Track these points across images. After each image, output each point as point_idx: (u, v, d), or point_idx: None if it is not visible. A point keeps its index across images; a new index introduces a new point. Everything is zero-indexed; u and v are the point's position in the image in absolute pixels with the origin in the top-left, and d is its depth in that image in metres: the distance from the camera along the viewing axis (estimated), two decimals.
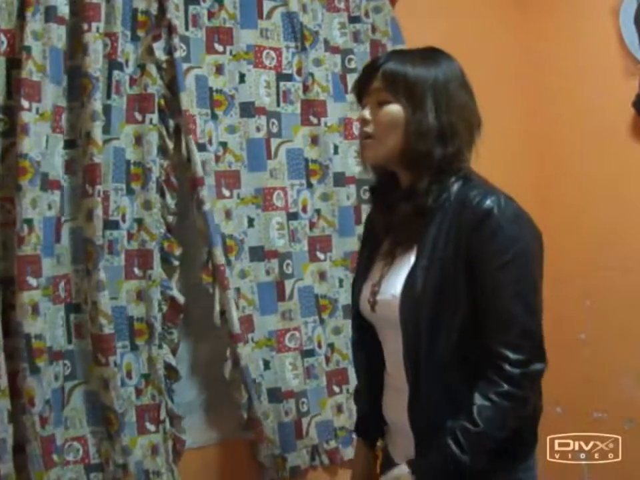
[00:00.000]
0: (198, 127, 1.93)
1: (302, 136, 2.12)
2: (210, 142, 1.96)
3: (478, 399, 1.25)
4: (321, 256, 2.14)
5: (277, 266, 2.06)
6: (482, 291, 1.28)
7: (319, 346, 2.12)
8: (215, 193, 1.97)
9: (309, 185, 2.13)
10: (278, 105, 2.09)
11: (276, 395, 2.03)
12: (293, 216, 2.10)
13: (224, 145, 2.00)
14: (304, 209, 2.12)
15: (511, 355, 1.25)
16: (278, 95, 2.09)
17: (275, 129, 2.08)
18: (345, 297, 2.13)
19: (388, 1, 2.27)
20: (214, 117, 1.99)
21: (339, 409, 2.14)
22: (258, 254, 2.04)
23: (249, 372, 1.95)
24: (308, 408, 2.08)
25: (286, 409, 2.04)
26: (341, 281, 2.16)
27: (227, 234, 1.98)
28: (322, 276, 2.14)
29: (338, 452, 2.13)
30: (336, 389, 2.15)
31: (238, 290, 1.99)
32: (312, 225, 2.13)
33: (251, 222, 2.04)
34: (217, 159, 1.98)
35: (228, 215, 1.99)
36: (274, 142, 2.08)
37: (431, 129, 1.32)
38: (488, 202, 1.27)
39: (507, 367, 1.24)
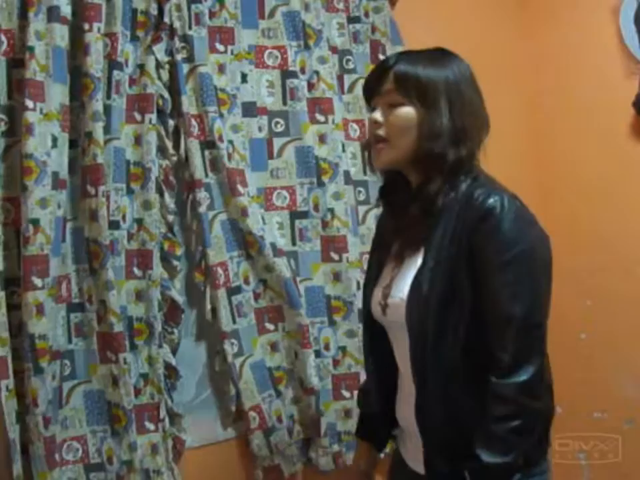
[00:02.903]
0: (206, 125, 1.93)
1: (311, 133, 2.09)
2: (220, 139, 1.95)
3: (480, 440, 1.23)
4: (335, 256, 2.10)
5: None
6: (482, 291, 1.26)
7: (326, 348, 2.09)
8: (228, 189, 1.97)
9: (321, 184, 2.09)
10: (285, 103, 2.07)
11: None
12: (301, 215, 2.08)
13: (231, 142, 1.99)
14: (315, 208, 2.09)
15: (505, 358, 1.23)
16: (284, 93, 2.07)
17: (279, 129, 2.07)
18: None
19: (387, 1, 2.27)
20: (220, 115, 1.98)
21: (347, 413, 2.08)
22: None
23: (235, 367, 1.96)
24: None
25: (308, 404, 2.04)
26: (357, 283, 2.08)
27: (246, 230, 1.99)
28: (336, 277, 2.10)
29: (341, 456, 2.07)
30: (346, 393, 2.09)
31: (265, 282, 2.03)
32: (325, 225, 2.09)
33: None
34: (229, 156, 1.97)
35: (244, 212, 1.97)
36: (277, 141, 2.06)
37: (444, 130, 1.31)
38: (491, 200, 1.26)
39: (500, 382, 1.23)
